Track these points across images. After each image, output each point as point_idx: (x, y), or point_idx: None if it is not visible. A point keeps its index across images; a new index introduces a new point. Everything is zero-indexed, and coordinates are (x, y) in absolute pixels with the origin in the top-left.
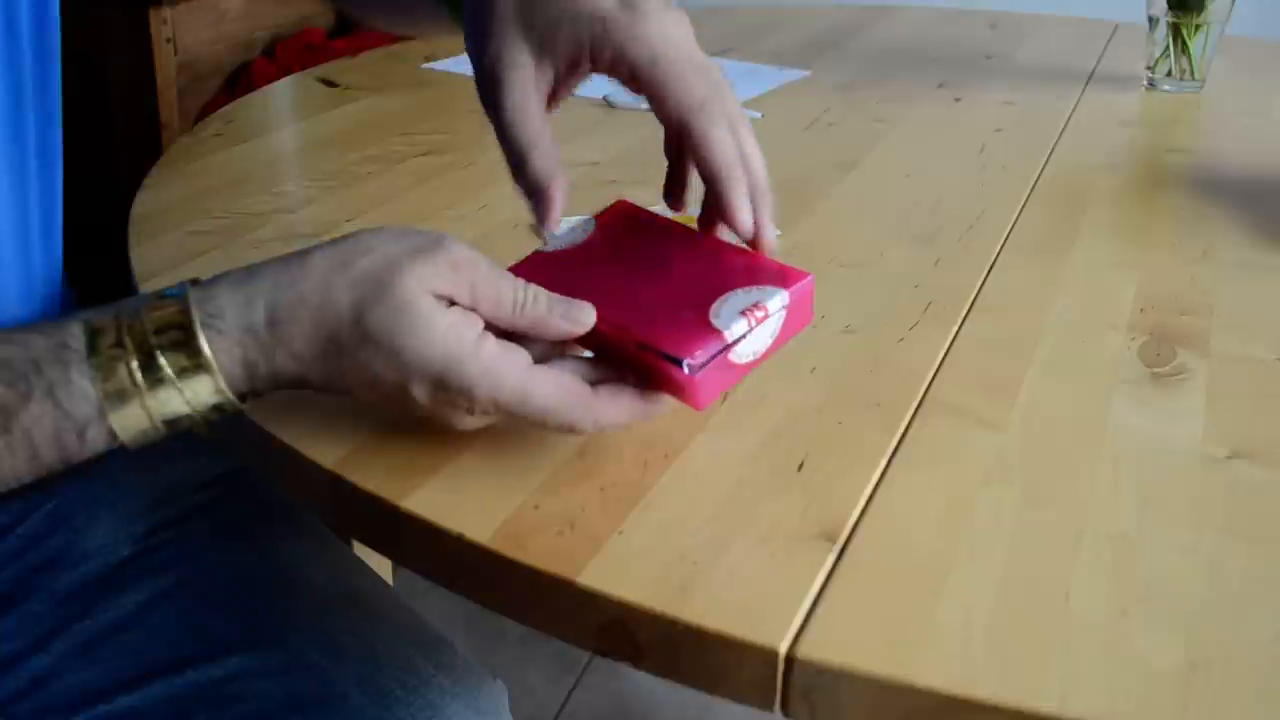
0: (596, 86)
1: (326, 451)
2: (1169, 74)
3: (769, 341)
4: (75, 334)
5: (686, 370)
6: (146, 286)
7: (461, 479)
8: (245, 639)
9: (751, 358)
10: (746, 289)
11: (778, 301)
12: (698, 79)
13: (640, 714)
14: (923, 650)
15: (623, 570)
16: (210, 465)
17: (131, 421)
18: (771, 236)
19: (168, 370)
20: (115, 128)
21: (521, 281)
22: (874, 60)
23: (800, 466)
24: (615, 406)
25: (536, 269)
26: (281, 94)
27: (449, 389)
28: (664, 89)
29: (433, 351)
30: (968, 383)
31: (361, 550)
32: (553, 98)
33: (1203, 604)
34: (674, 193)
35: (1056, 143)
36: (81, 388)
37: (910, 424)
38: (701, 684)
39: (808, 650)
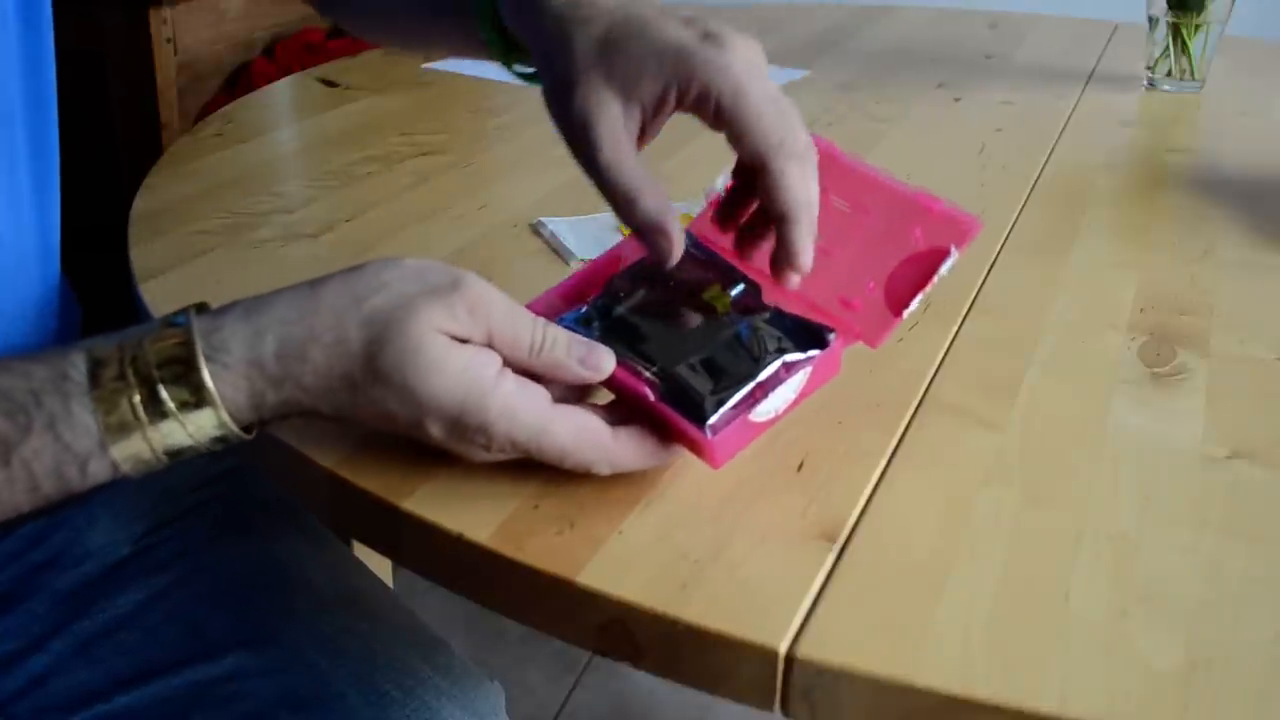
0: None
1: (326, 451)
2: (1169, 74)
3: (791, 397)
4: (77, 364)
5: (708, 433)
6: (146, 286)
7: (461, 479)
8: (243, 638)
9: (772, 415)
10: None
11: (802, 366)
12: (776, 116)
13: (640, 714)
14: (922, 650)
15: (623, 570)
16: (209, 465)
17: (133, 452)
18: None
19: (170, 404)
20: (115, 128)
21: (542, 322)
22: (874, 60)
23: (800, 466)
24: (633, 450)
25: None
26: (281, 94)
27: (466, 427)
28: (745, 126)
29: (448, 392)
30: (967, 383)
31: (361, 550)
32: (642, 136)
33: (1203, 604)
34: (730, 222)
35: (1056, 143)
36: (83, 421)
37: (910, 424)
38: (701, 684)
39: (808, 650)
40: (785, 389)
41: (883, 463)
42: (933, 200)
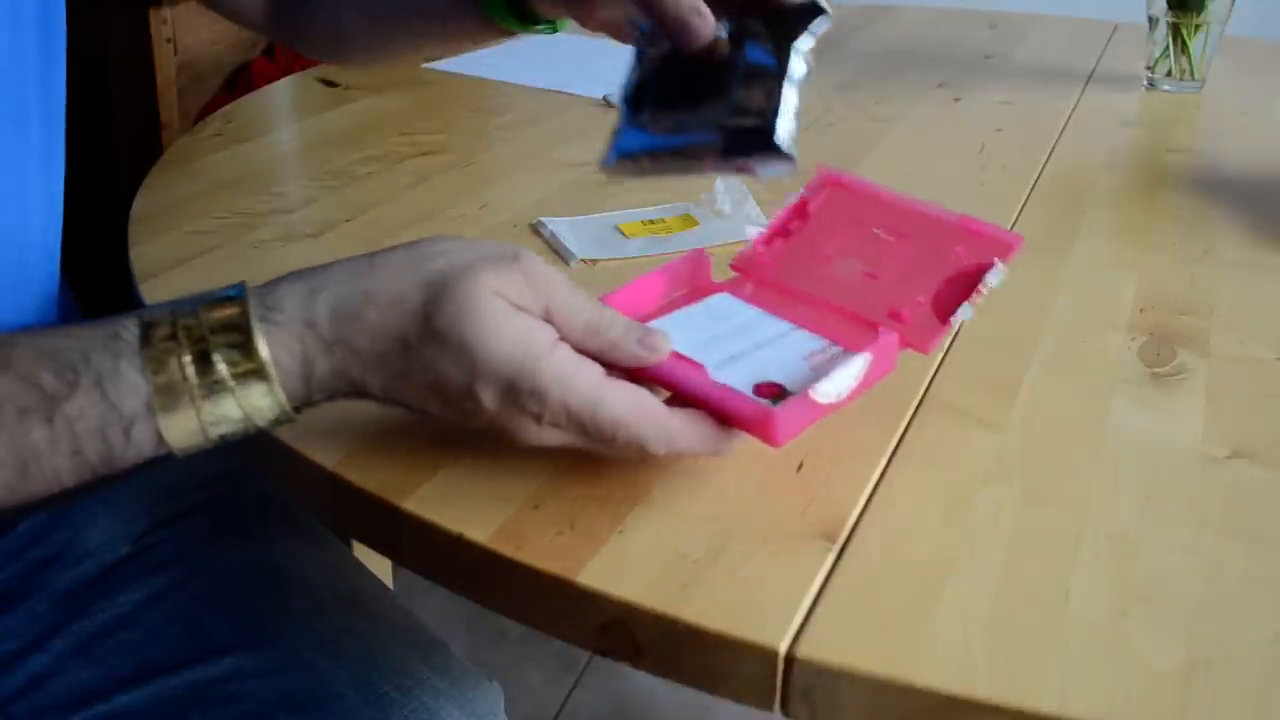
0: (596, 86)
1: (326, 451)
2: (1169, 74)
3: (853, 384)
4: (129, 326)
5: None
6: (146, 286)
7: (461, 479)
8: (242, 639)
9: (835, 399)
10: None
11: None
12: None
13: (640, 714)
14: (922, 650)
15: (623, 570)
16: (209, 464)
17: (179, 421)
18: None
19: (221, 366)
20: (115, 128)
21: (599, 303)
22: (874, 60)
23: (800, 466)
24: (690, 431)
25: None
26: (281, 94)
27: (519, 392)
28: None
29: (504, 352)
30: (967, 383)
31: (361, 550)
32: None
33: (1203, 604)
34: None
35: (1056, 143)
36: (131, 379)
37: (910, 424)
38: (701, 684)
39: (808, 650)
40: (845, 374)
41: (883, 462)
42: (974, 222)
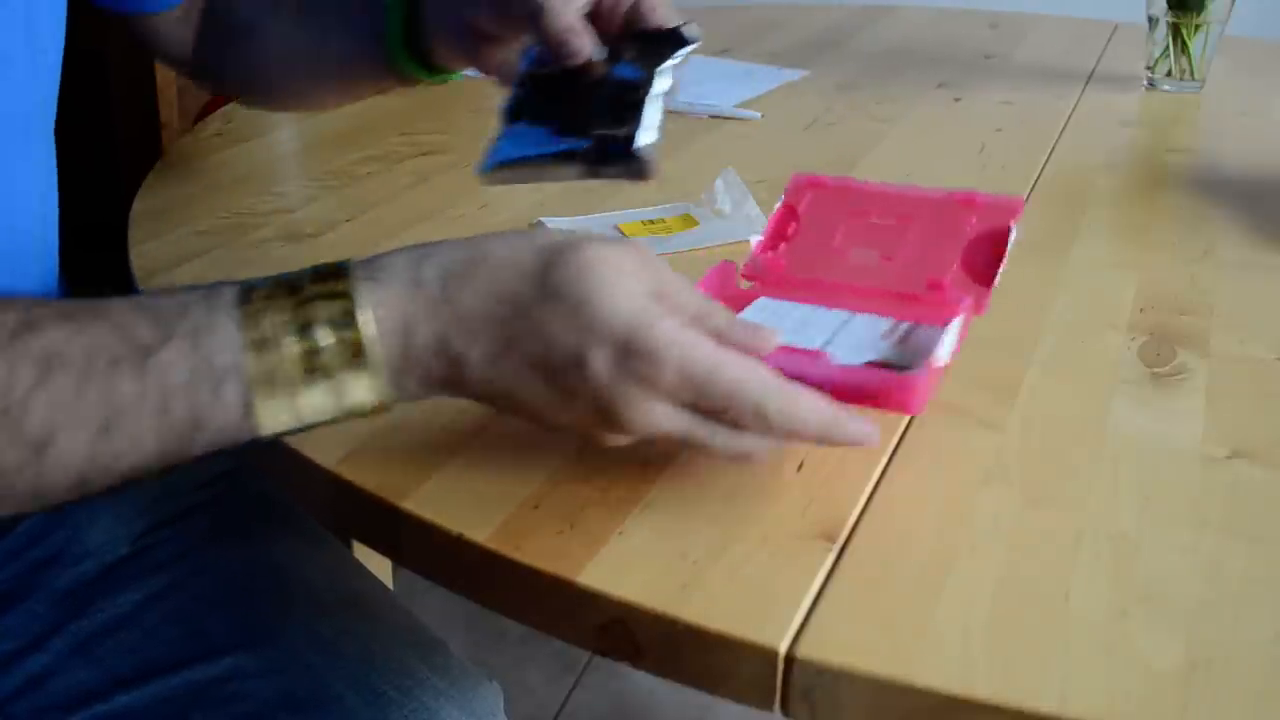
0: None
1: (326, 451)
2: (1169, 74)
3: (954, 343)
4: (230, 287)
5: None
6: (147, 286)
7: (461, 479)
8: (242, 639)
9: (947, 360)
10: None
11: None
12: None
13: (640, 714)
14: (922, 650)
15: (623, 570)
16: (209, 464)
17: (269, 374)
18: None
19: (319, 323)
20: (115, 128)
21: (705, 294)
22: (874, 60)
23: (800, 466)
24: (809, 403)
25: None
26: None
27: (633, 354)
28: None
29: (619, 313)
30: (967, 383)
31: (361, 551)
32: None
33: (1203, 604)
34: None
35: (1056, 142)
36: (226, 331)
37: (910, 424)
38: (701, 684)
39: (808, 650)
40: (950, 337)
41: (883, 462)
42: (971, 194)
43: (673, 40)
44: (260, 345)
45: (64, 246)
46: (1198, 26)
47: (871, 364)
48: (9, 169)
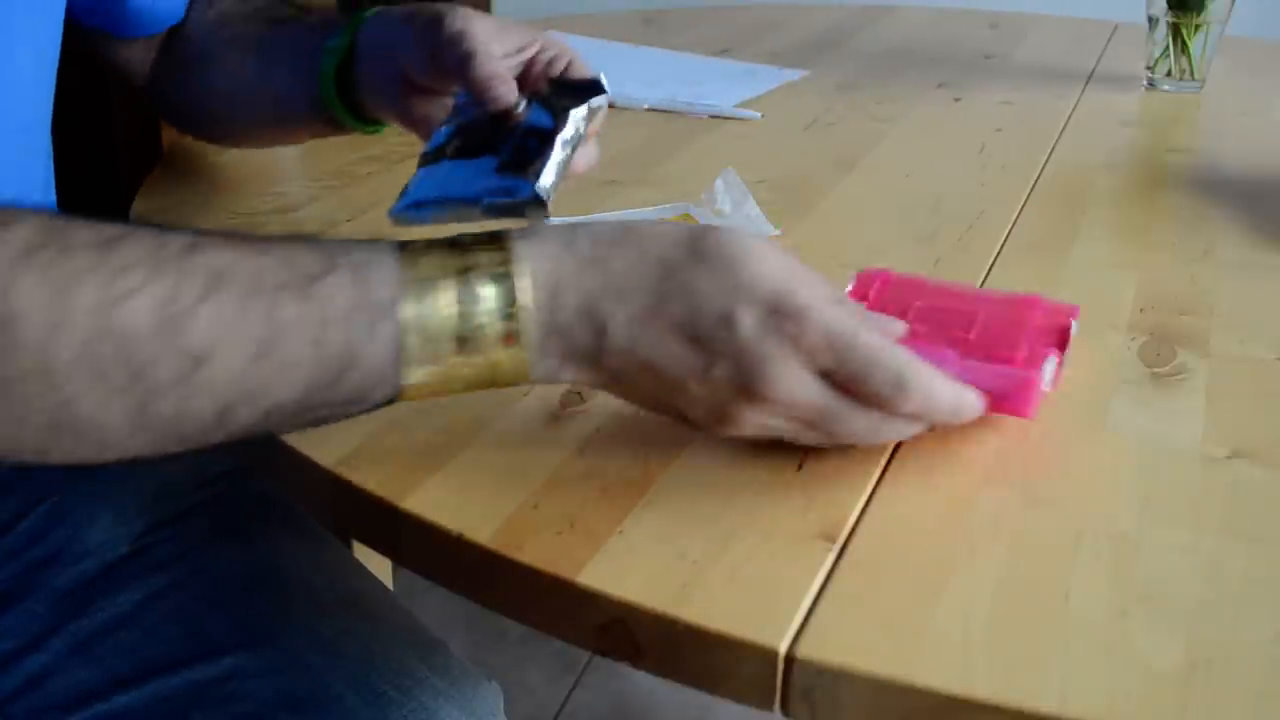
0: None
1: (326, 451)
2: (1169, 74)
3: (1053, 377)
4: (387, 241)
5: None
6: None
7: (461, 479)
8: (242, 639)
9: (1049, 387)
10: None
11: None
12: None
13: (640, 714)
14: (922, 650)
15: (623, 570)
16: (209, 464)
17: (426, 316)
18: None
19: (478, 269)
20: (115, 128)
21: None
22: (874, 60)
23: (800, 466)
24: (944, 382)
25: None
26: None
27: (780, 312)
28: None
29: (768, 273)
30: None
31: (361, 551)
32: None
33: (1203, 604)
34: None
35: (1056, 143)
36: (387, 267)
37: None
38: (701, 684)
39: (808, 650)
40: (1049, 368)
41: (883, 462)
42: (1033, 297)
43: (586, 89)
44: (420, 284)
45: None
46: (1198, 26)
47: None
48: (7, 172)
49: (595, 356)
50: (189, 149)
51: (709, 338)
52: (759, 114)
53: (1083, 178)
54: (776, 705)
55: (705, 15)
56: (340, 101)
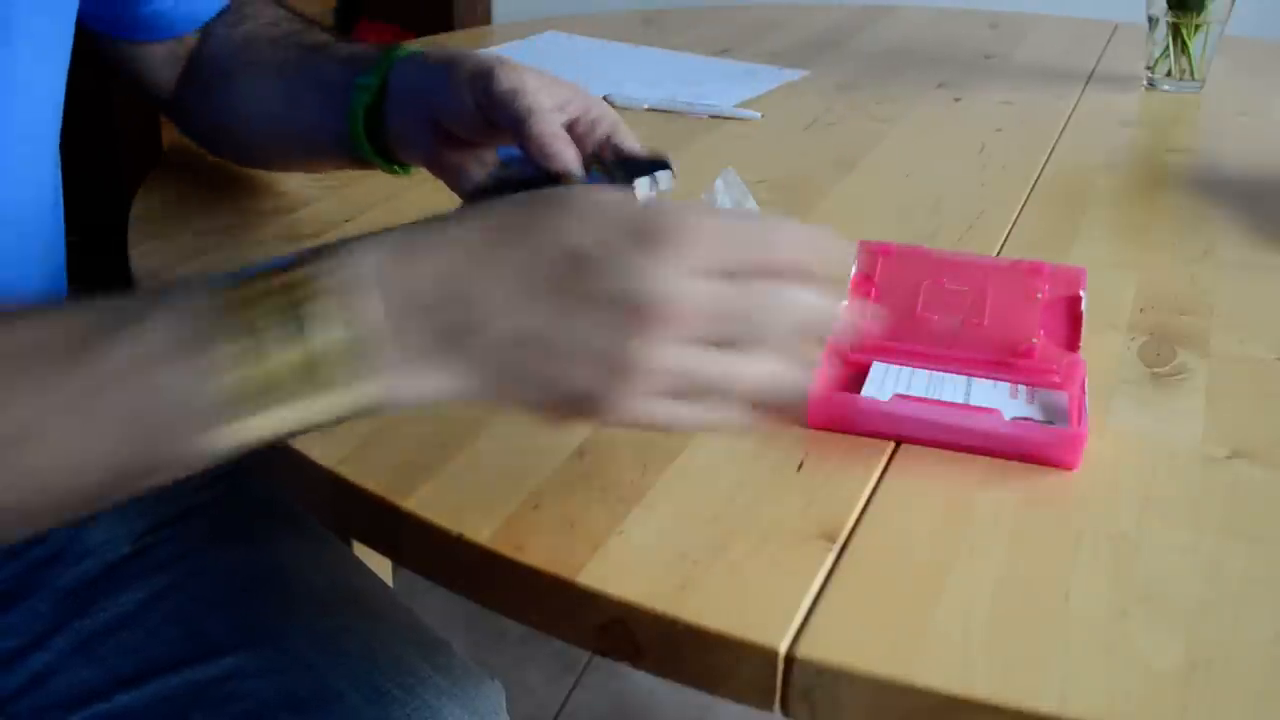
0: (598, 86)
1: (326, 451)
2: (1169, 74)
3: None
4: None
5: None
6: (147, 287)
7: (461, 479)
8: (243, 638)
9: (1084, 431)
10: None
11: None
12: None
13: (640, 714)
14: (922, 650)
15: (623, 570)
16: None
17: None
18: None
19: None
20: (115, 128)
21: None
22: (874, 60)
23: (800, 466)
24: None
25: None
26: None
27: (658, 230)
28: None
29: (627, 198)
30: None
31: (361, 551)
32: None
33: (1203, 604)
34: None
35: (1056, 142)
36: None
37: None
38: (701, 684)
39: (807, 650)
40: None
41: (883, 462)
42: (1037, 264)
43: (651, 165)
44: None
45: (68, 248)
46: (1198, 26)
47: (1019, 419)
48: (19, 175)
49: (462, 342)
50: (189, 149)
51: (581, 275)
52: (759, 114)
53: (1083, 178)
54: (776, 705)
55: (705, 15)
56: (369, 143)
